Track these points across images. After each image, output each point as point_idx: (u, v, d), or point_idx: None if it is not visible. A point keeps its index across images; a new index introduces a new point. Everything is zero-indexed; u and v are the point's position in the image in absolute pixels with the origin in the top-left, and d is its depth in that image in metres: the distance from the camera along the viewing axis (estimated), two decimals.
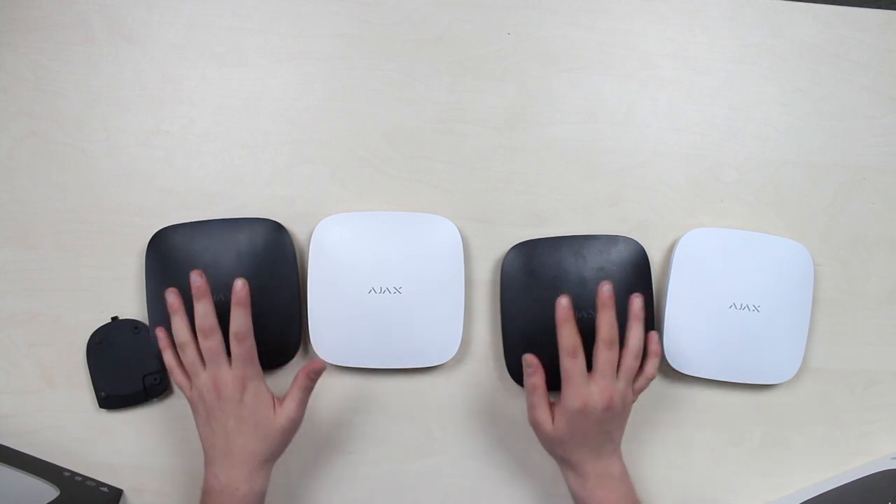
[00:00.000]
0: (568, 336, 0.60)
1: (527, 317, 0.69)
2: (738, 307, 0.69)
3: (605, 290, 0.61)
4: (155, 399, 0.70)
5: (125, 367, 0.68)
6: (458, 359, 0.72)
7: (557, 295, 0.69)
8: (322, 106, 0.71)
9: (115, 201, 0.70)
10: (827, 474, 0.73)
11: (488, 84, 0.72)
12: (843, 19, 0.73)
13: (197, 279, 0.60)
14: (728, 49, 0.73)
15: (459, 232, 0.69)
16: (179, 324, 0.62)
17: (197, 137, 0.71)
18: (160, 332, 0.64)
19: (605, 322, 0.60)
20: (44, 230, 0.70)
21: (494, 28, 0.72)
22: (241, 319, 0.60)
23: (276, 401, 0.62)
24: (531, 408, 0.62)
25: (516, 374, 0.70)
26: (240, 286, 0.60)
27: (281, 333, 0.68)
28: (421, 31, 0.72)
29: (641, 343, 0.63)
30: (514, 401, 0.72)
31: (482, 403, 0.72)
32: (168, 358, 0.63)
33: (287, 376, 0.70)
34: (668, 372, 0.72)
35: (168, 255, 0.68)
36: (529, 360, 0.62)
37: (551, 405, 0.63)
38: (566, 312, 0.60)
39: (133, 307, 0.70)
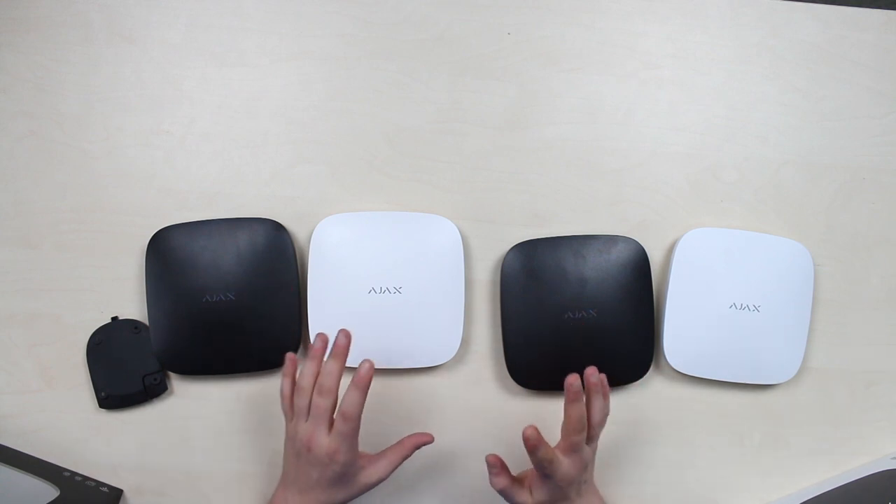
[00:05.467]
0: (575, 442, 0.59)
1: (527, 317, 0.69)
2: (738, 307, 0.69)
3: (576, 388, 0.58)
4: (155, 399, 0.70)
5: (125, 367, 0.68)
6: (458, 359, 0.72)
7: (558, 295, 0.69)
8: (322, 106, 0.71)
9: (115, 201, 0.70)
10: (827, 474, 0.73)
11: (488, 84, 0.72)
12: (843, 19, 0.73)
13: (342, 339, 0.60)
14: (728, 49, 0.73)
15: (459, 232, 0.69)
16: (310, 370, 0.61)
17: (197, 137, 0.71)
18: (290, 358, 0.62)
19: (575, 414, 0.59)
20: (44, 230, 0.70)
21: (494, 28, 0.72)
22: (354, 400, 0.58)
23: (366, 459, 0.62)
24: (508, 499, 0.62)
25: (516, 374, 0.70)
26: (365, 369, 0.58)
27: (281, 333, 0.68)
28: (421, 31, 0.72)
29: (606, 412, 0.61)
30: (514, 401, 0.72)
31: (482, 403, 0.72)
32: (285, 385, 0.61)
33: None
34: (668, 372, 0.72)
35: (168, 255, 0.68)
36: (493, 462, 0.61)
37: (523, 480, 0.63)
38: (576, 393, 0.59)
39: (133, 307, 0.70)
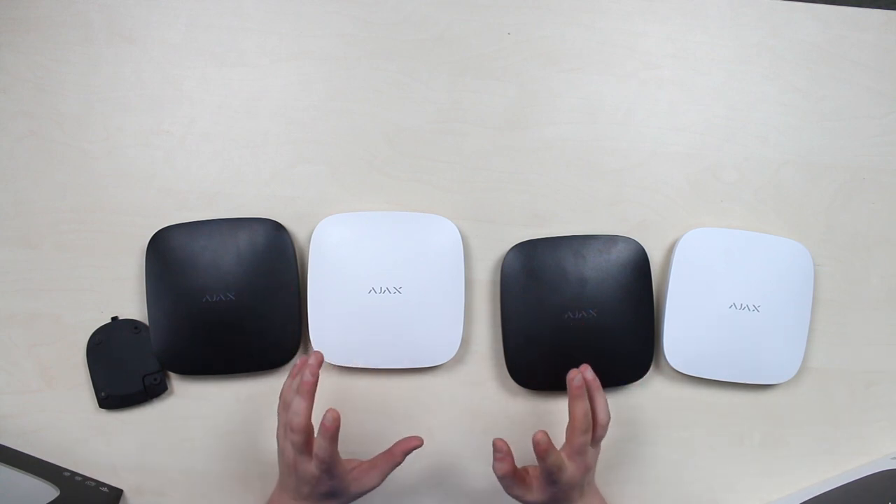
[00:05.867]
0: (581, 440, 0.59)
1: (527, 317, 0.69)
2: (738, 307, 0.69)
3: (577, 382, 0.59)
4: (155, 399, 0.70)
5: (125, 367, 0.68)
6: (458, 359, 0.71)
7: (558, 295, 0.69)
8: (322, 106, 0.71)
9: (115, 201, 0.70)
10: (827, 474, 0.73)
11: (488, 84, 0.72)
12: (843, 19, 0.73)
13: (308, 377, 0.57)
14: (728, 49, 0.73)
15: (459, 232, 0.69)
16: (290, 386, 0.61)
17: (197, 137, 0.71)
18: (301, 361, 0.62)
19: (580, 411, 0.59)
20: (44, 230, 0.70)
21: (494, 28, 0.72)
22: (324, 447, 0.56)
23: (358, 470, 0.62)
24: (507, 488, 0.62)
25: (516, 374, 0.70)
26: (330, 420, 0.55)
27: (281, 333, 0.68)
28: (421, 31, 0.72)
29: (608, 411, 0.61)
30: (514, 401, 0.72)
31: (482, 403, 0.72)
32: (286, 386, 0.62)
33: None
34: (668, 372, 0.72)
35: (168, 255, 0.68)
36: (499, 446, 0.60)
37: (525, 475, 0.62)
38: (580, 415, 0.59)
39: (133, 307, 0.70)
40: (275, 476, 0.70)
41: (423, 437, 0.71)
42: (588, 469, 0.60)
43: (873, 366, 0.74)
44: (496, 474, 0.61)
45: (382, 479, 0.62)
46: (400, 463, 0.62)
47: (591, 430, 0.60)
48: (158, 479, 0.70)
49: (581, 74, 0.72)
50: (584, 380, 0.60)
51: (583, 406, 0.59)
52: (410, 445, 0.63)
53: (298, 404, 0.57)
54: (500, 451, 0.60)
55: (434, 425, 0.71)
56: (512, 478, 0.61)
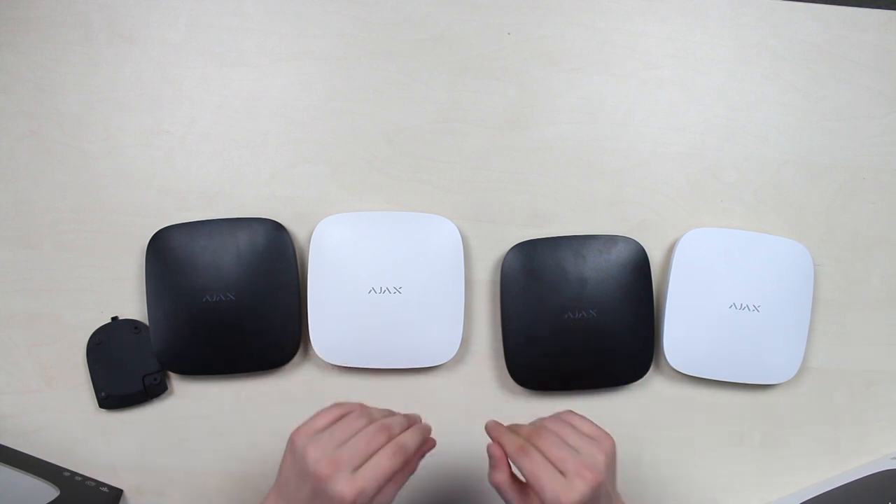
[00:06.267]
0: (510, 442, 0.53)
1: (527, 317, 0.69)
2: (738, 307, 0.69)
3: (495, 451, 0.54)
4: (155, 399, 0.70)
5: (125, 367, 0.68)
6: (458, 359, 0.72)
7: (558, 295, 0.69)
8: (322, 106, 0.71)
9: (115, 201, 0.70)
10: (827, 474, 0.73)
11: (488, 84, 0.72)
12: (843, 19, 0.73)
13: (429, 432, 0.56)
14: (728, 49, 0.73)
15: (459, 232, 0.69)
16: (394, 417, 0.54)
17: (197, 137, 0.71)
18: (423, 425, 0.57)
19: (510, 444, 0.53)
20: (44, 230, 0.70)
21: (494, 28, 0.72)
22: (415, 438, 0.52)
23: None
24: (506, 500, 0.54)
25: (516, 374, 0.70)
26: (431, 438, 0.55)
27: (281, 333, 0.68)
28: (421, 31, 0.72)
29: (575, 416, 0.55)
30: (514, 401, 0.72)
31: (482, 403, 0.72)
32: (356, 406, 0.55)
33: (287, 376, 0.70)
34: (668, 372, 0.72)
35: (168, 255, 0.68)
36: (492, 452, 0.54)
37: (528, 491, 0.53)
38: (497, 429, 0.55)
39: (133, 307, 0.70)
40: (274, 476, 0.70)
41: None
42: (595, 477, 0.49)
43: (873, 366, 0.74)
44: (491, 484, 0.54)
45: (397, 492, 0.52)
46: (414, 470, 0.54)
47: (529, 449, 0.52)
48: (158, 479, 0.70)
49: (581, 74, 0.72)
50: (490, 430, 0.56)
51: (512, 441, 0.53)
52: (425, 450, 0.55)
53: (416, 435, 0.53)
54: (494, 457, 0.53)
55: (434, 425, 0.71)
56: (509, 488, 0.53)
